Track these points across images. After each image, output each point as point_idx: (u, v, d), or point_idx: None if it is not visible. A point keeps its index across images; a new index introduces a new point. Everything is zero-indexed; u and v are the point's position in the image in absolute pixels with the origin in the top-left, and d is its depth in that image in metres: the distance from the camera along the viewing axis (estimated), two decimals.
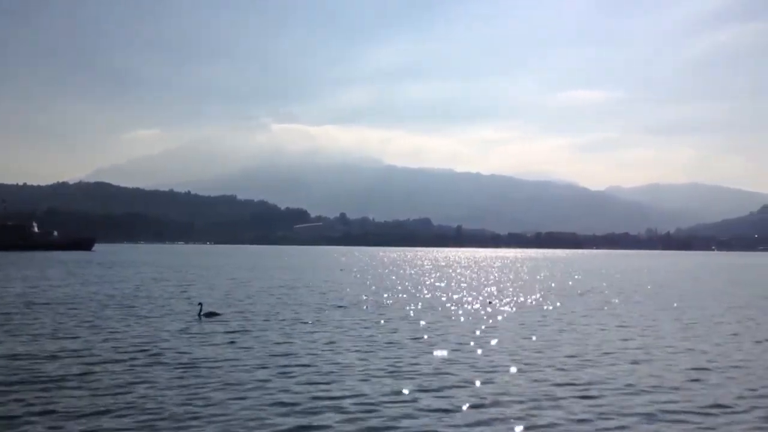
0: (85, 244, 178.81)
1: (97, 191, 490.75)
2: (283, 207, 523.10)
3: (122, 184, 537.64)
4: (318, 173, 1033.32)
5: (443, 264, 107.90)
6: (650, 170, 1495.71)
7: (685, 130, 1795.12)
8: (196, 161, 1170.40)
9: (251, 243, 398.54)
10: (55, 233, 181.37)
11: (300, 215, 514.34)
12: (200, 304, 28.83)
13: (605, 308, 34.57)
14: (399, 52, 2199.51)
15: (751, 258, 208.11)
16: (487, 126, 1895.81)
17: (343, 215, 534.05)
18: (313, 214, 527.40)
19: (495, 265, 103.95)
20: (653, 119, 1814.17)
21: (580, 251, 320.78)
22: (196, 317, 27.14)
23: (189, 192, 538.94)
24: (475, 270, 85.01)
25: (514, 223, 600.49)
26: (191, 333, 23.20)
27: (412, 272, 75.30)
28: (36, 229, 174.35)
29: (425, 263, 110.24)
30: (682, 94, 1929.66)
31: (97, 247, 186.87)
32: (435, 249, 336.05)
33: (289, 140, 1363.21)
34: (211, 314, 27.71)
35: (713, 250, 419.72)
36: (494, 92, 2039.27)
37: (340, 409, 13.40)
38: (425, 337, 23.20)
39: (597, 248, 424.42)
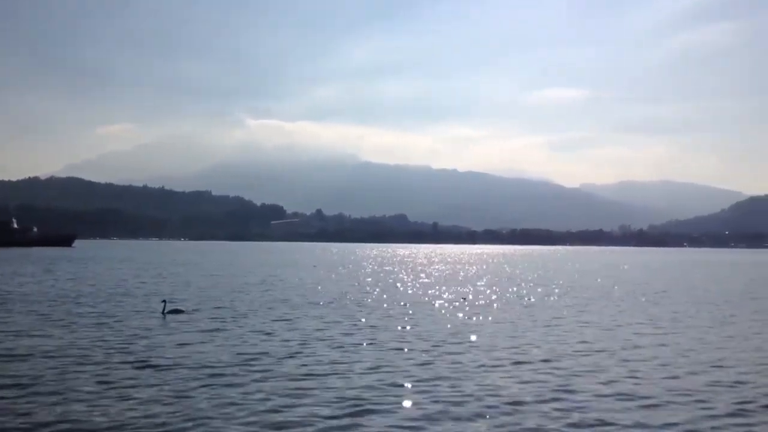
0: (65, 241, 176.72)
1: (70, 186, 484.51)
2: (259, 203, 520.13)
3: (95, 180, 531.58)
4: (294, 169, 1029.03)
5: (420, 260, 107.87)
6: (624, 168, 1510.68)
7: (657, 128, 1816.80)
8: (170, 157, 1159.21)
9: (227, 239, 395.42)
10: (35, 229, 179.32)
11: (276, 211, 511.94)
12: (164, 301, 28.32)
13: (587, 305, 34.56)
14: (376, 49, 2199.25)
15: (723, 255, 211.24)
16: (464, 123, 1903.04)
17: (319, 212, 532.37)
18: (289, 211, 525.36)
19: (471, 262, 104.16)
20: (627, 118, 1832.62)
21: (555, 248, 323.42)
22: (161, 315, 26.64)
23: (163, 188, 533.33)
24: (452, 266, 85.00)
25: (489, 220, 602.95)
26: (154, 331, 22.65)
27: (389, 269, 75.03)
28: (15, 225, 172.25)
29: (402, 260, 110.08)
30: (655, 93, 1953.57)
31: (76, 243, 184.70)
32: (411, 245, 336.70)
33: (265, 136, 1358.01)
34: (175, 311, 27.29)
35: (685, 246, 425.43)
36: (471, 90, 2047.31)
37: (317, 410, 12.93)
38: (404, 335, 22.87)
39: (571, 245, 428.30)
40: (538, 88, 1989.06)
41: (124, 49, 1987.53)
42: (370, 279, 54.41)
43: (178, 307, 28.25)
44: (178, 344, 19.98)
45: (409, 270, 72.66)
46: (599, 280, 58.36)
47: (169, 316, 26.31)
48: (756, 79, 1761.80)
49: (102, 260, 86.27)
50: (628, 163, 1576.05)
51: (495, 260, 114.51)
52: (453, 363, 17.78)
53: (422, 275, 62.01)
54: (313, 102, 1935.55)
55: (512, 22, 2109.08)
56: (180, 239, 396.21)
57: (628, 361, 18.62)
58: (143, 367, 16.55)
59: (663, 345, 21.57)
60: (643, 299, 38.38)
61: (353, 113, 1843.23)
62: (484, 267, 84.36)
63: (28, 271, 58.63)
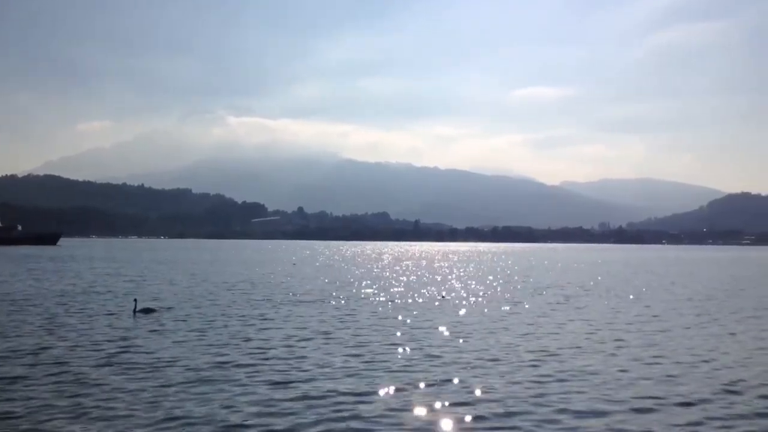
0: (50, 239, 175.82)
1: (48, 184, 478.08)
2: (240, 201, 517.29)
3: (73, 177, 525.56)
4: (276, 167, 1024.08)
5: (401, 258, 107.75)
6: (603, 166, 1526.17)
7: (637, 127, 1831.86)
8: (150, 154, 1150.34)
9: (207, 237, 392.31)
10: (19, 227, 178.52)
11: (257, 209, 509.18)
12: (135, 300, 27.99)
13: (567, 302, 34.62)
14: (358, 47, 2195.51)
15: (702, 252, 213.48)
16: (446, 121, 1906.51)
17: (301, 209, 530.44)
18: (270, 209, 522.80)
19: (452, 259, 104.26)
20: (606, 116, 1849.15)
21: (536, 245, 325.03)
22: (132, 314, 26.30)
23: (143, 185, 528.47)
24: (432, 263, 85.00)
25: (471, 217, 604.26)
26: (121, 330, 22.36)
27: (370, 266, 74.81)
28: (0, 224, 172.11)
29: (382, 257, 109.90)
30: (634, 92, 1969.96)
31: (61, 241, 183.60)
32: (393, 243, 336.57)
33: (246, 133, 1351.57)
34: (146, 310, 26.99)
35: (664, 243, 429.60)
36: (452, 88, 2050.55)
37: (291, 410, 12.72)
38: (384, 333, 22.69)
39: (552, 242, 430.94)
40: (519, 87, 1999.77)
41: (105, 46, 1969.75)
42: (349, 277, 54.22)
43: (150, 306, 28.02)
44: (145, 344, 19.65)
45: (390, 267, 72.51)
46: (582, 277, 58.60)
47: (140, 315, 26.01)
48: (734, 78, 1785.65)
49: (84, 259, 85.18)
50: (608, 161, 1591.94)
51: (476, 258, 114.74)
52: (432, 362, 17.62)
53: (402, 273, 61.89)
54: (294, 100, 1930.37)
55: (493, 21, 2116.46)
56: (160, 237, 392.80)
57: (632, 361, 18.59)
58: (104, 366, 16.39)
59: (652, 345, 21.59)
60: (631, 297, 38.58)
61: (335, 111, 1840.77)
62: (466, 265, 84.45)
63: (7, 270, 57.72)
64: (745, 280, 57.05)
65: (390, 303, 32.62)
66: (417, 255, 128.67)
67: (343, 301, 33.01)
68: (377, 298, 34.87)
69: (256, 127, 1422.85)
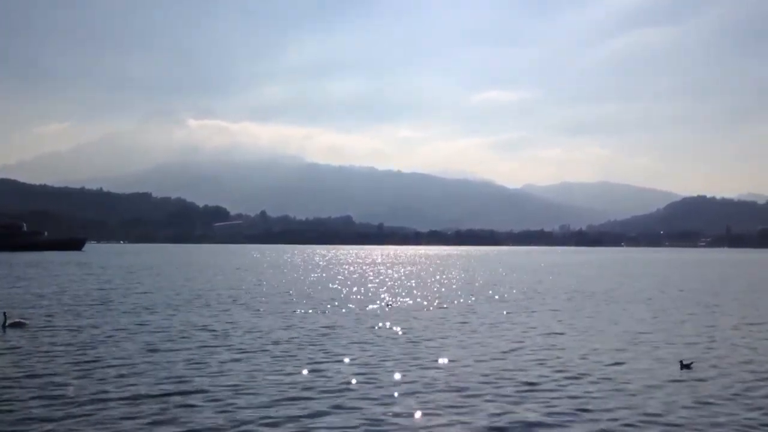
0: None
1: (3, 189, 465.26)
2: (201, 205, 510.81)
3: (31, 181, 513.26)
4: (237, 171, 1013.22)
5: (361, 261, 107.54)
6: (562, 169, 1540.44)
7: (594, 129, 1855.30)
8: (109, 157, 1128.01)
9: (169, 242, 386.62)
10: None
11: (219, 213, 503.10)
12: (4, 313, 26.66)
13: (532, 308, 35.17)
14: (319, 49, 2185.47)
15: (660, 254, 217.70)
16: (408, 125, 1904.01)
17: (263, 213, 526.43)
18: (233, 212, 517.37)
19: (416, 263, 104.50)
20: (565, 119, 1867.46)
21: (498, 248, 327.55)
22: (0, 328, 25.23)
23: (101, 189, 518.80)
24: (393, 268, 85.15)
25: (434, 221, 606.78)
26: None
27: (316, 274, 74.63)
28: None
29: (331, 261, 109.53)
30: (592, 95, 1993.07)
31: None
32: (357, 247, 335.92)
33: (207, 136, 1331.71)
34: (16, 324, 25.91)
35: (622, 246, 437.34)
36: (414, 91, 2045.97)
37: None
38: (324, 341, 22.66)
39: (514, 245, 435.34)
40: (479, 90, 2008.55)
41: (60, 44, 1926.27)
42: (286, 281, 54.02)
43: (20, 320, 26.74)
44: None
45: (336, 271, 72.23)
46: (542, 279, 59.32)
47: (9, 330, 24.88)
48: (690, 82, 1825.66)
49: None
50: (567, 164, 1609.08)
51: (435, 261, 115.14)
52: (364, 377, 17.22)
53: (350, 278, 61.81)
54: (255, 102, 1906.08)
55: (453, 23, 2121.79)
56: (119, 242, 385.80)
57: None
58: None
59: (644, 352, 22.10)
60: (592, 301, 39.29)
61: (297, 113, 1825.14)
62: (426, 268, 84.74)
63: None
64: (714, 282, 58.47)
65: (337, 310, 32.54)
66: (378, 258, 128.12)
67: (265, 306, 32.70)
68: (312, 306, 34.19)
69: (217, 130, 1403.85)
